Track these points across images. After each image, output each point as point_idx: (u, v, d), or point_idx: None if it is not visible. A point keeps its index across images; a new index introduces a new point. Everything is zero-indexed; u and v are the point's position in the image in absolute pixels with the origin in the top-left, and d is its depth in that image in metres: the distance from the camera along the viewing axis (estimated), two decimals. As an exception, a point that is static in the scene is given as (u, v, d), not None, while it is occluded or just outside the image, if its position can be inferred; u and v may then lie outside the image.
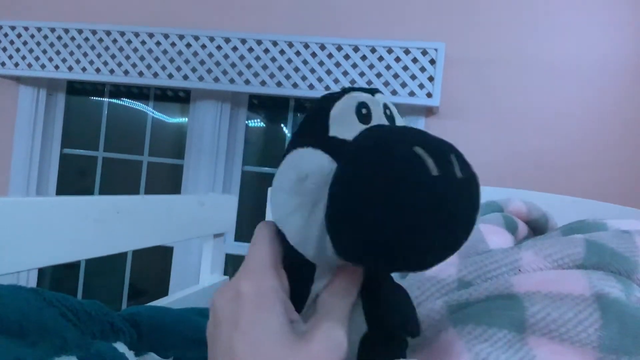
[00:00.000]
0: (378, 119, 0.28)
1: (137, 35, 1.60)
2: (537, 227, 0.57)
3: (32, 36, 1.65)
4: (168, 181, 1.82)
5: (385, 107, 0.29)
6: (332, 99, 0.28)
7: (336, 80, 1.49)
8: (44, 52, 1.64)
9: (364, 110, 0.28)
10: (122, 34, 1.61)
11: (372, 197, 0.22)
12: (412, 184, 0.22)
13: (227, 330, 0.26)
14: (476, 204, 0.24)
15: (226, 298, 0.27)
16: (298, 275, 0.28)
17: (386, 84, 1.46)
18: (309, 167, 0.26)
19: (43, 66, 1.64)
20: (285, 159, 0.28)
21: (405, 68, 1.46)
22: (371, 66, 1.48)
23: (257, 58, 1.54)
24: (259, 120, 1.80)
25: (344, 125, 0.27)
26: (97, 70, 1.62)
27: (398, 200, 0.22)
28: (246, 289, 0.26)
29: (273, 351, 0.24)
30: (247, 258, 0.29)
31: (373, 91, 0.30)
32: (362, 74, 1.48)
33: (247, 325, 0.25)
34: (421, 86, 1.44)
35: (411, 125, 0.29)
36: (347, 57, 1.49)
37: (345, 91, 0.29)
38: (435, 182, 0.22)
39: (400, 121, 0.30)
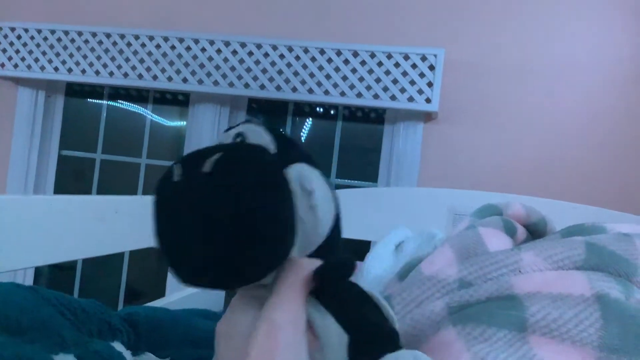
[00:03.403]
0: None
1: (137, 37, 1.60)
2: (536, 231, 0.57)
3: (32, 38, 1.65)
4: (166, 184, 1.82)
5: (237, 136, 0.30)
6: None
7: (335, 85, 1.49)
8: (44, 53, 1.64)
9: None
10: (122, 36, 1.61)
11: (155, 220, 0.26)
12: (156, 193, 0.25)
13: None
14: (210, 200, 0.23)
15: None
16: None
17: (385, 89, 1.47)
18: None
19: (42, 68, 1.64)
20: None
21: (405, 74, 1.46)
22: (370, 71, 1.48)
23: (257, 62, 1.55)
24: (257, 124, 1.79)
25: None
26: (97, 72, 1.62)
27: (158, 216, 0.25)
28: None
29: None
30: None
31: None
32: (361, 79, 1.48)
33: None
34: (420, 92, 1.45)
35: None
36: (346, 62, 1.49)
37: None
38: (174, 186, 0.25)
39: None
